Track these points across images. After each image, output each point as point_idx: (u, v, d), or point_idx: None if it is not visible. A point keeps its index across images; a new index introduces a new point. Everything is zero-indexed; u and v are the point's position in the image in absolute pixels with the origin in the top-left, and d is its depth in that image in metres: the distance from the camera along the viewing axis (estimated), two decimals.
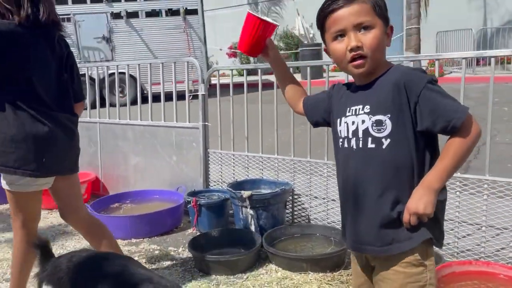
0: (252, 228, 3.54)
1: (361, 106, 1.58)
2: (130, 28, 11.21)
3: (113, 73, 7.37)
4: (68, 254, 2.19)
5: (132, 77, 5.84)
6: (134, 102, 4.99)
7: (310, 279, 2.96)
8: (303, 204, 3.77)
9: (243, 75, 4.56)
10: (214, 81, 5.22)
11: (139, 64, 5.22)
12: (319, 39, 16.07)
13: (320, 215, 3.67)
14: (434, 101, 1.50)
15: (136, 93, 5.60)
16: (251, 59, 17.59)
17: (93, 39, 11.06)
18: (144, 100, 5.17)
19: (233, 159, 4.13)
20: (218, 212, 3.84)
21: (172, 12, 11.36)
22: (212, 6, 18.30)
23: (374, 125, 1.52)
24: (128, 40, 11.23)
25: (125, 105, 4.96)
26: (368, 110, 1.54)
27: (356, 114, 1.58)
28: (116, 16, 11.12)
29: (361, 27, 1.50)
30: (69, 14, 10.76)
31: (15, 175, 2.39)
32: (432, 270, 1.57)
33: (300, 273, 3.03)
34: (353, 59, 1.51)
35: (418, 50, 12.21)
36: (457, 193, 2.97)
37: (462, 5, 14.70)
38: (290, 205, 3.79)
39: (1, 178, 2.57)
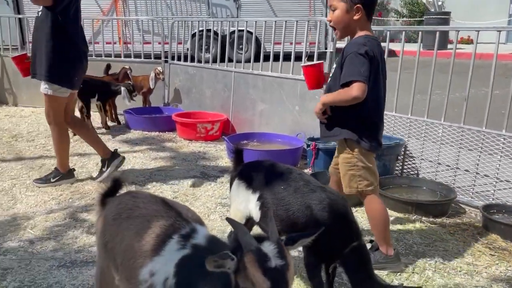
0: None
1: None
2: None
3: (240, 30, 8.00)
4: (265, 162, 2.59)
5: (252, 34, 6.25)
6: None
7: (411, 219, 3.22)
8: (414, 160, 3.91)
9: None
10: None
11: (264, 21, 5.68)
12: (449, 7, 15.17)
13: (428, 174, 3.81)
14: (347, 64, 2.34)
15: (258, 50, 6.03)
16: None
17: None
18: (266, 58, 5.46)
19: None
20: (333, 156, 4.08)
21: None
22: None
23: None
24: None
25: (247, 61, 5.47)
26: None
27: None
28: None
29: (331, 8, 2.38)
30: None
31: (59, 85, 3.60)
32: (358, 157, 2.49)
33: (403, 212, 3.30)
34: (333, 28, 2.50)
35: None
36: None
37: None
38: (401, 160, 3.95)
39: (45, 86, 3.67)
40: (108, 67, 6.31)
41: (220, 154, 4.90)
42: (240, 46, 9.68)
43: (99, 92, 5.66)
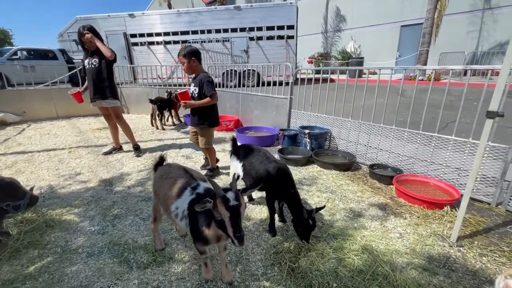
0: (308, 147, 3.73)
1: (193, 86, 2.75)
2: (257, 46, 11.37)
3: (248, 69, 7.86)
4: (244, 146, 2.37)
5: (254, 71, 6.18)
6: (257, 84, 5.34)
7: (331, 173, 3.18)
8: (335, 141, 3.82)
9: (313, 73, 4.59)
10: (298, 76, 5.33)
11: (261, 65, 5.57)
12: (363, 54, 14.80)
13: (343, 147, 3.74)
14: (205, 85, 2.66)
15: (258, 79, 5.98)
16: (320, 64, 16.81)
17: (239, 51, 11.40)
18: (260, 84, 5.41)
19: (302, 114, 4.20)
20: (293, 139, 4.01)
21: (279, 37, 11.23)
22: (301, 33, 17.50)
23: (195, 90, 2.75)
24: (255, 52, 11.47)
25: (253, 86, 5.38)
26: (195, 88, 2.73)
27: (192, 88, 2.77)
28: (251, 39, 11.28)
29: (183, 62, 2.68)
30: (228, 38, 11.22)
31: (118, 100, 3.62)
32: (208, 133, 2.92)
33: (328, 170, 3.27)
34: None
35: (425, 63, 10.75)
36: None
37: (461, 34, 12.30)
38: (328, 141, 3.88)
39: (114, 101, 3.54)
40: (170, 93, 6.02)
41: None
42: (249, 78, 9.57)
43: (168, 106, 5.66)
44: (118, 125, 3.79)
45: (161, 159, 1.81)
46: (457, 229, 1.95)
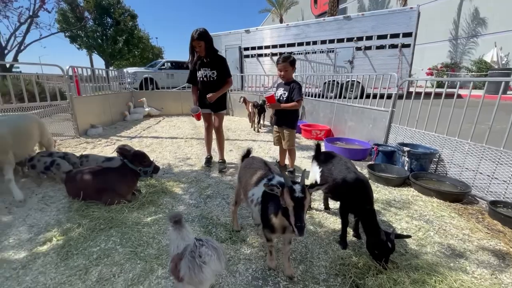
0: (406, 167, 3.28)
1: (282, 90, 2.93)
2: (364, 56, 10.72)
3: (352, 80, 7.55)
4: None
5: (358, 82, 5.85)
6: (360, 97, 5.03)
7: (431, 200, 2.70)
8: (445, 166, 3.19)
9: (433, 86, 3.98)
10: (411, 89, 4.72)
11: (363, 75, 5.27)
12: (511, 65, 11.46)
13: (454, 173, 3.09)
14: (296, 91, 2.88)
15: (362, 91, 5.64)
16: (444, 76, 14.07)
17: (342, 61, 11.04)
18: (364, 96, 4.88)
19: (404, 130, 3.72)
20: (389, 156, 3.62)
21: (392, 46, 10.20)
22: (420, 41, 15.21)
23: (284, 94, 2.95)
24: (361, 62, 10.84)
25: (355, 98, 5.12)
26: (285, 92, 2.91)
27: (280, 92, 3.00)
28: (358, 49, 10.76)
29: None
30: (333, 49, 11.07)
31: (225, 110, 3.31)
32: (292, 135, 3.07)
33: (427, 196, 2.80)
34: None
35: None
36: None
37: None
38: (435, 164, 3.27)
39: (223, 112, 3.27)
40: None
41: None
42: (351, 89, 9.13)
43: (264, 110, 6.14)
44: (216, 133, 3.43)
45: (248, 152, 2.04)
46: None
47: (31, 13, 12.24)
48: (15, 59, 12.74)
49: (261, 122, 6.29)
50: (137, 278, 1.65)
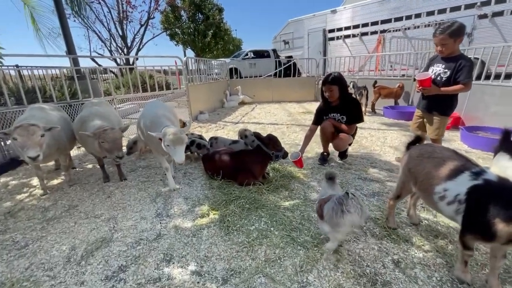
0: None
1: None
2: (491, 25, 8.45)
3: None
4: None
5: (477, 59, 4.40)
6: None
7: None
8: None
9: None
10: None
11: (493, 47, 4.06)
12: None
13: None
14: (465, 70, 2.24)
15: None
16: None
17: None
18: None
19: None
20: None
21: None
22: None
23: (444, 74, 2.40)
24: (484, 34, 8.60)
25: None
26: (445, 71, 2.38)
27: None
28: (481, 17, 8.56)
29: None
30: (443, 20, 9.18)
31: None
32: (444, 123, 2.47)
33: None
34: None
35: None
36: None
37: None
38: None
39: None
40: (375, 82, 6.01)
41: (452, 138, 3.98)
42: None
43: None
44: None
45: (417, 138, 1.74)
46: None
47: (149, 16, 14.15)
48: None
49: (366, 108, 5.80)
50: (305, 265, 1.59)
